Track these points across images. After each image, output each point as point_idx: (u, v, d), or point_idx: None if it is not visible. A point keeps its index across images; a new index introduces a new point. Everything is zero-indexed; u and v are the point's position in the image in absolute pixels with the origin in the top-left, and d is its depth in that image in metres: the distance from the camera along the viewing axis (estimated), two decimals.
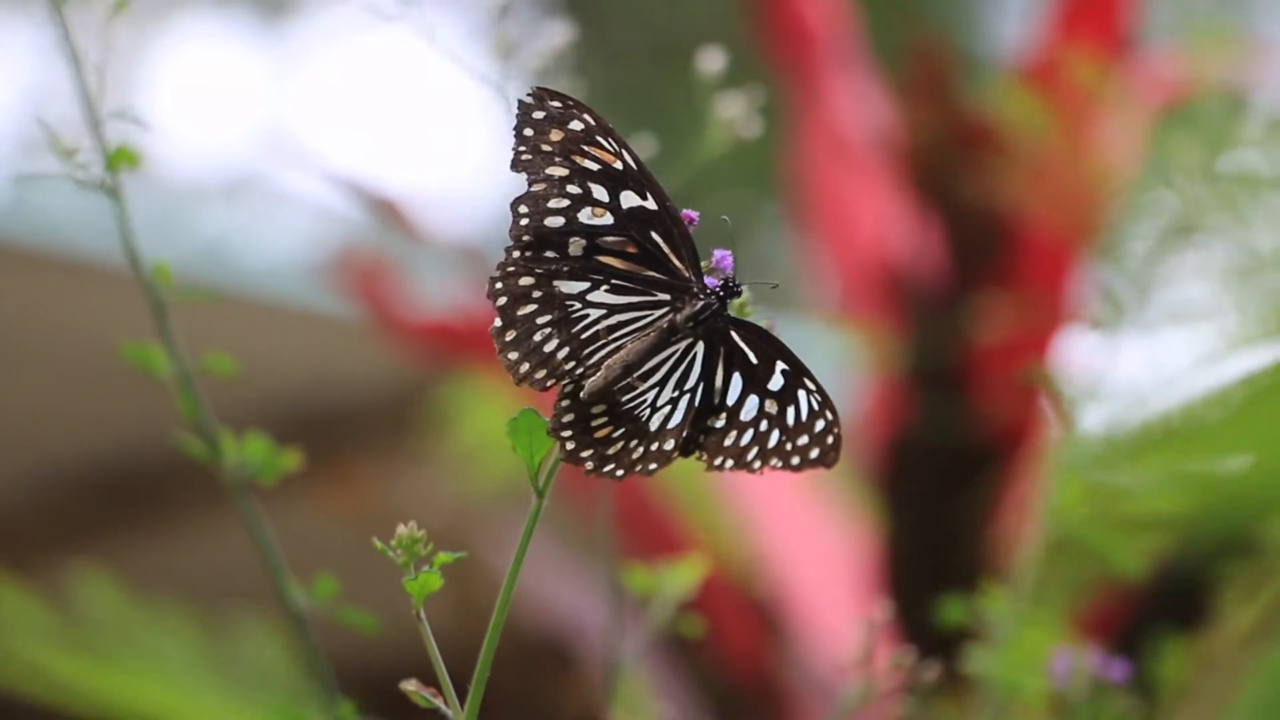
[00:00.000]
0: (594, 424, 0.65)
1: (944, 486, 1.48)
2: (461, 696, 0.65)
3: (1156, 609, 1.30)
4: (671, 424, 0.66)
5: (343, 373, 2.44)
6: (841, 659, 0.83)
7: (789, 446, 0.66)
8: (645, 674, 1.47)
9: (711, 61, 0.85)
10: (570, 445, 0.65)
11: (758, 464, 0.66)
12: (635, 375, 0.65)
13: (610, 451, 0.65)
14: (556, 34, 0.81)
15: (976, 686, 0.92)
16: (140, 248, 0.82)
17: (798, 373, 0.66)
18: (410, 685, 0.64)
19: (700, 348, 0.66)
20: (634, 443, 0.65)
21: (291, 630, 0.83)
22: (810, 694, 1.50)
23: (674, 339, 0.66)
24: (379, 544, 0.64)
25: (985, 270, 1.48)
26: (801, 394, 0.66)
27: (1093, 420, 0.88)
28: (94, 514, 2.57)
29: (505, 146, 0.79)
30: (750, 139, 0.85)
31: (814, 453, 0.66)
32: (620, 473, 0.65)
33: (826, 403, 0.66)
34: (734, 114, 0.85)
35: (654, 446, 0.65)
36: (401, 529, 0.64)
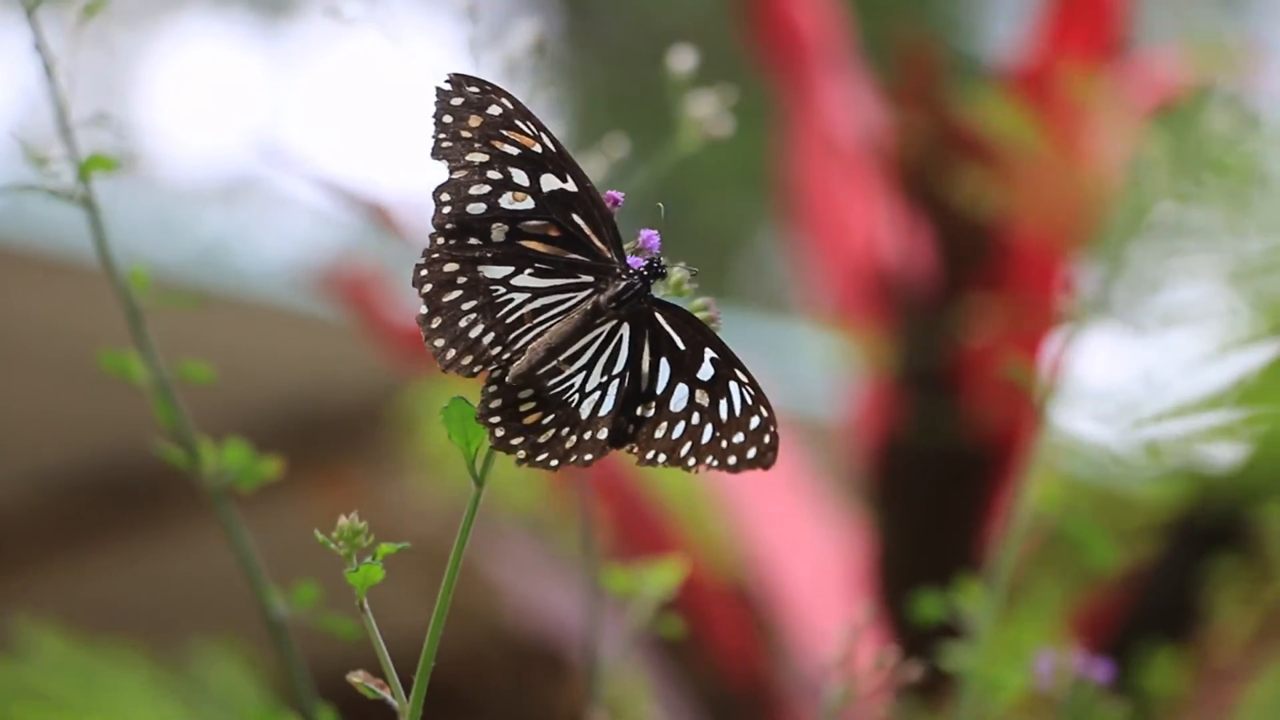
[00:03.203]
0: (522, 409, 0.64)
1: (935, 489, 1.49)
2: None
3: (1150, 610, 1.30)
4: (603, 411, 0.64)
5: (340, 376, 2.44)
6: (829, 659, 0.83)
7: (724, 444, 0.65)
8: (635, 675, 1.47)
9: (683, 60, 0.84)
10: (500, 433, 0.64)
11: (692, 460, 0.65)
12: (561, 359, 0.64)
13: (542, 440, 0.64)
14: (529, 32, 0.81)
15: (961, 686, 0.92)
16: (116, 254, 0.81)
17: (728, 363, 0.65)
18: (357, 677, 0.64)
19: (625, 330, 0.65)
20: (565, 430, 0.64)
21: (272, 637, 0.83)
22: (800, 695, 1.50)
23: (598, 321, 0.65)
24: (320, 536, 0.63)
25: (975, 273, 1.49)
26: (733, 386, 0.65)
27: (1083, 422, 0.88)
28: (90, 515, 2.56)
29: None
30: (741, 140, 0.85)
31: (751, 452, 0.65)
32: (555, 463, 0.64)
33: (760, 397, 0.65)
34: (705, 113, 0.85)
35: (586, 435, 0.64)
36: (343, 520, 0.64)
